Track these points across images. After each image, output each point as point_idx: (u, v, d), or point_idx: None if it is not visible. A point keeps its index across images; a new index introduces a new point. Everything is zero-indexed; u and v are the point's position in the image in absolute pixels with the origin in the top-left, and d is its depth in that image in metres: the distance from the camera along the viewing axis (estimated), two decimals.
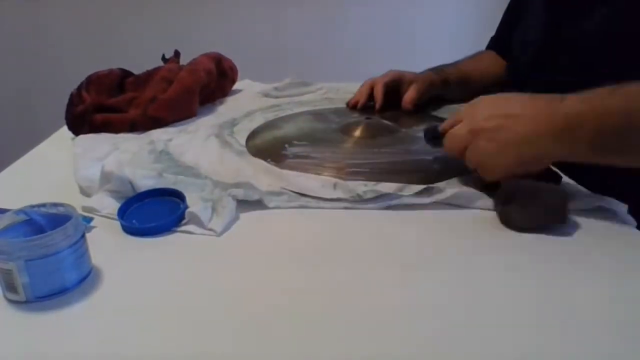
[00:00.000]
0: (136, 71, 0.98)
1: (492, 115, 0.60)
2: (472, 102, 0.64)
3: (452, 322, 0.43)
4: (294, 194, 0.62)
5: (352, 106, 0.93)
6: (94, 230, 0.56)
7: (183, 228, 0.56)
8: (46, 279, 0.45)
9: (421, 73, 0.95)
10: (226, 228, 0.56)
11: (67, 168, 0.71)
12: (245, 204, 0.60)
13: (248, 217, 0.59)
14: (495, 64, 1.00)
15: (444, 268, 0.50)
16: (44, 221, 0.48)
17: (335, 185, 0.63)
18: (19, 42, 2.04)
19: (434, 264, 0.51)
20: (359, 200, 0.60)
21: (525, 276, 0.48)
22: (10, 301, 0.45)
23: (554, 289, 0.46)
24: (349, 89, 0.99)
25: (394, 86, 0.92)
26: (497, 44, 1.04)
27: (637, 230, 0.55)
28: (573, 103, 0.56)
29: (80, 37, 2.02)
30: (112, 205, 0.59)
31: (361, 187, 0.62)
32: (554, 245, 0.53)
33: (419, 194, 0.60)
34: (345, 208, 0.60)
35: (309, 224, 0.58)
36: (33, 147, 0.84)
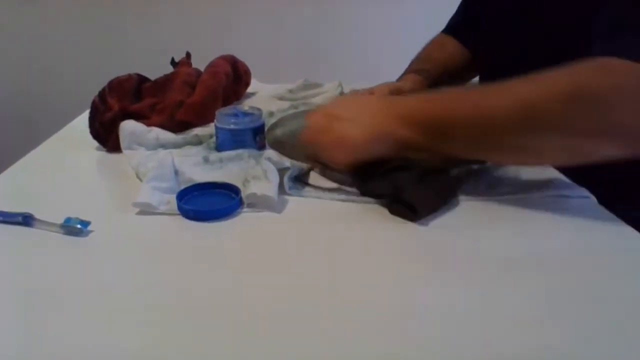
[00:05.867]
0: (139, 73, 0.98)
1: (343, 104, 0.72)
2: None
3: (452, 321, 0.43)
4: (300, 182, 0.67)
5: None
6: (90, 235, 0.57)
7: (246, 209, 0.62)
8: None
9: (405, 78, 0.92)
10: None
11: (65, 171, 0.72)
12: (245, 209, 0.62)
13: (247, 220, 0.60)
14: (458, 48, 1.00)
15: (443, 268, 0.51)
16: None
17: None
18: (18, 43, 2.02)
19: (433, 264, 0.52)
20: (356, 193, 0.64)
21: (526, 275, 0.50)
22: None
23: (554, 288, 0.48)
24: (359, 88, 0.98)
25: None
26: (457, 29, 1.02)
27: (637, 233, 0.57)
28: (416, 95, 0.66)
29: (79, 39, 2.00)
30: (163, 201, 0.62)
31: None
32: (552, 244, 0.55)
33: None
34: (341, 200, 0.64)
35: (308, 226, 0.60)
36: (31, 150, 0.83)
